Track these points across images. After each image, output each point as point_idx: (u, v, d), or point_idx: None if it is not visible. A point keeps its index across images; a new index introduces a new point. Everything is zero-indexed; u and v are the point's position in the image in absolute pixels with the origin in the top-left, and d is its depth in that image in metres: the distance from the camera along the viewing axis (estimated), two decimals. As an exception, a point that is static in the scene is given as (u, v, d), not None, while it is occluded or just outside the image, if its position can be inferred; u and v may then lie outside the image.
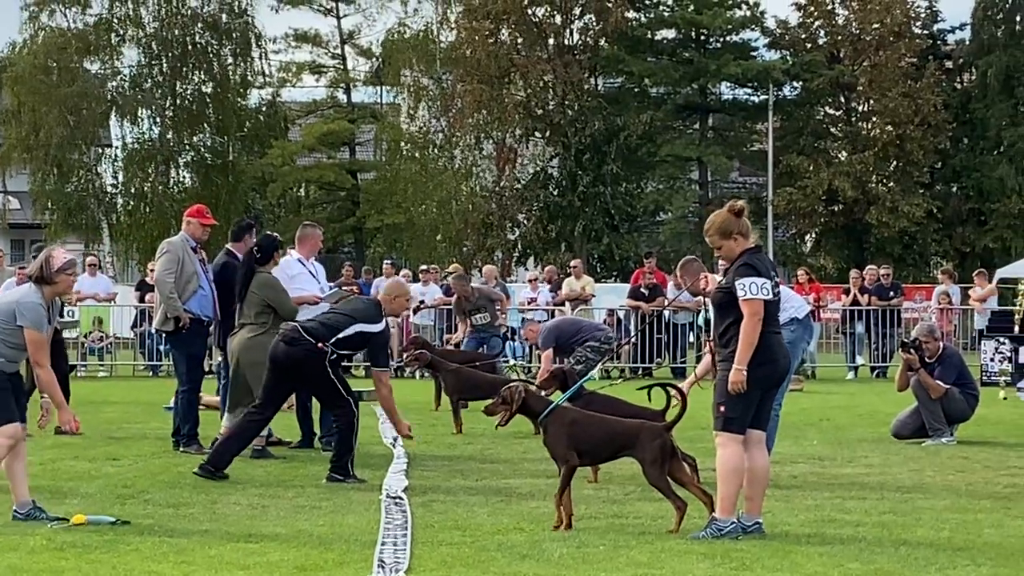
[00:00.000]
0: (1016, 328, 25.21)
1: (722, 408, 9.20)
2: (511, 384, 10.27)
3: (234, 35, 52.66)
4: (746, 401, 9.16)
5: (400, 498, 10.62)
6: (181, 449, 14.06)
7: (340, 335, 12.03)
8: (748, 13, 55.02)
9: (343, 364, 13.27)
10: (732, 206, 9.42)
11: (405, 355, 20.14)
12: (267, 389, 12.28)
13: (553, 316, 26.45)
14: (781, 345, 9.48)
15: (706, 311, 14.63)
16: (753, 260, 9.24)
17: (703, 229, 9.68)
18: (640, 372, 26.85)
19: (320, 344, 11.92)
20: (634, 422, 10.09)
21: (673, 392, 10.25)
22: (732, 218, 9.35)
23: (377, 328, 12.23)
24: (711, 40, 55.34)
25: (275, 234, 14.86)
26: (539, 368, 20.73)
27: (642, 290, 28.73)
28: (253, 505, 10.62)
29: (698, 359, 23.83)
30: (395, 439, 14.18)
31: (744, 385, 9.04)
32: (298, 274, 14.62)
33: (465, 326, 22.13)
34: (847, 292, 30.23)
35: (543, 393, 11.47)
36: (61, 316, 26.69)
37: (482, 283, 26.98)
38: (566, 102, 52.35)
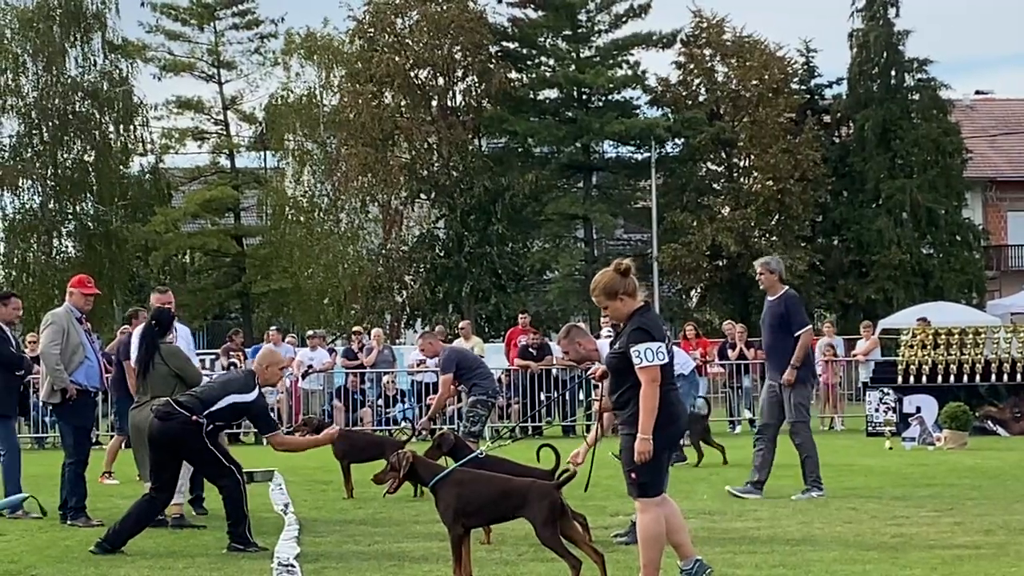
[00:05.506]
0: (899, 379, 25.55)
1: (634, 475, 8.90)
2: (399, 451, 10.19)
3: (115, 103, 52.38)
4: (656, 464, 8.87)
5: (292, 566, 10.55)
6: (69, 522, 13.87)
7: (213, 408, 11.88)
8: (630, 72, 55.72)
9: (231, 431, 13.15)
10: (618, 265, 9.09)
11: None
12: (155, 470, 12.12)
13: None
14: (680, 401, 9.19)
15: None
16: (645, 323, 8.92)
17: (589, 288, 9.40)
18: (530, 431, 26.86)
19: (194, 417, 11.82)
20: (524, 481, 9.98)
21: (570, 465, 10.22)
22: (618, 277, 9.02)
23: (250, 397, 12.06)
24: (594, 99, 55.80)
25: (168, 306, 14.75)
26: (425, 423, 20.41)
27: (530, 349, 28.91)
28: (143, 578, 10.50)
29: (587, 416, 23.87)
30: (286, 506, 14.05)
31: (651, 453, 8.75)
32: None
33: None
34: (732, 347, 30.40)
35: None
36: None
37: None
38: (451, 163, 52.56)
